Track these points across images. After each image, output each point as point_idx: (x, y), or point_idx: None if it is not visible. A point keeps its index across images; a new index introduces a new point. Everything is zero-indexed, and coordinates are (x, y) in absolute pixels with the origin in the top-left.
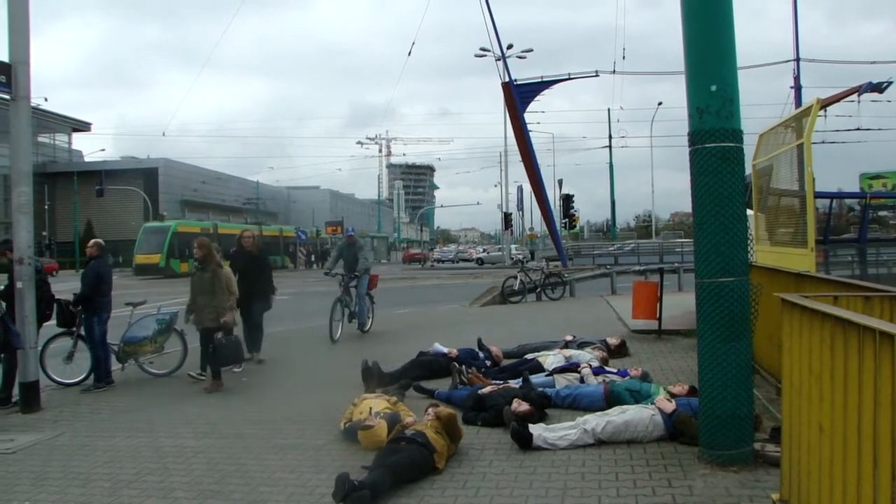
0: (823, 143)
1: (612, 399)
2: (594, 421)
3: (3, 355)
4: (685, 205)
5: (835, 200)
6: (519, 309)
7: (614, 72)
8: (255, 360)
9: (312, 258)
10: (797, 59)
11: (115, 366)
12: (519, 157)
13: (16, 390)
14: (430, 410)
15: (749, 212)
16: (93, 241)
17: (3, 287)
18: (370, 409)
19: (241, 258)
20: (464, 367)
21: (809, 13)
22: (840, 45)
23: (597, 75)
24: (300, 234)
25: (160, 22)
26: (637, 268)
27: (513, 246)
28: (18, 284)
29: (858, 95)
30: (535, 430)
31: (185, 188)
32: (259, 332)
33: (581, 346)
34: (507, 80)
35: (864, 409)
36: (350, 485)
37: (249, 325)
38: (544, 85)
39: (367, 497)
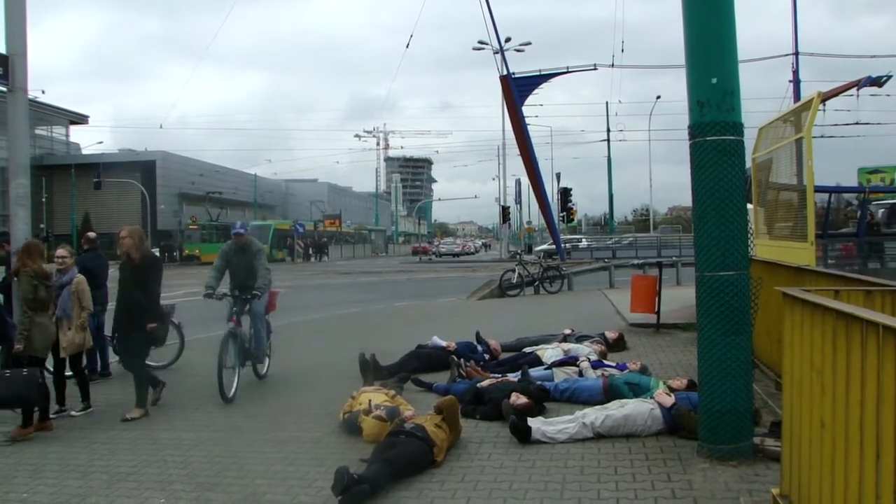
0: (822, 136)
1: (610, 393)
2: (593, 415)
3: (0, 348)
4: (683, 199)
5: (833, 195)
6: (517, 302)
7: (613, 65)
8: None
9: (310, 251)
10: (796, 53)
11: (112, 358)
12: (517, 151)
13: None
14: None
15: (749, 206)
16: (86, 234)
17: (0, 279)
18: (369, 401)
19: (123, 267)
20: (462, 360)
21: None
22: (843, 38)
23: (595, 69)
24: (298, 226)
25: (158, 14)
26: (635, 261)
27: (479, 241)
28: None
29: (858, 89)
30: (534, 423)
31: (183, 181)
32: (137, 374)
33: (579, 339)
34: (505, 73)
35: (866, 404)
36: (350, 478)
37: (125, 366)
38: (542, 78)
39: (366, 491)
